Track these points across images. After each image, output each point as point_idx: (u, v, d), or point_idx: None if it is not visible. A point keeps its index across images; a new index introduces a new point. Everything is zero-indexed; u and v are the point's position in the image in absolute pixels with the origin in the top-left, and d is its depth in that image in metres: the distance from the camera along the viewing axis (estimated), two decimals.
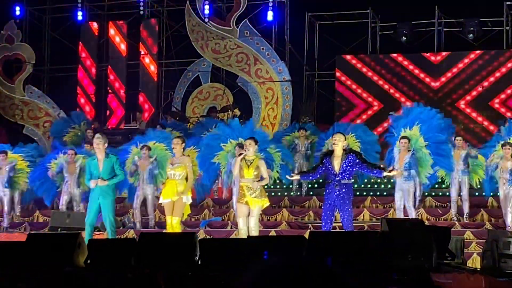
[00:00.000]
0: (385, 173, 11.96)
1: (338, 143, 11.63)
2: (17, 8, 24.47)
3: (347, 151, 11.72)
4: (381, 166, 12.26)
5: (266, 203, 12.36)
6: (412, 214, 13.88)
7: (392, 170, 12.37)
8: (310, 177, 12.77)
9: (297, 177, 12.82)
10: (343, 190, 11.48)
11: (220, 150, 14.75)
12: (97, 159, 12.27)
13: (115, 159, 12.51)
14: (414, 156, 13.88)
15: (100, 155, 12.27)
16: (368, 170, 11.76)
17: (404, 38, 22.43)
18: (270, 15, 22.81)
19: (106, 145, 12.42)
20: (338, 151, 11.59)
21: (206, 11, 22.96)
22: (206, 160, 14.58)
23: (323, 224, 11.60)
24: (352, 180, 11.88)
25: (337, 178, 11.48)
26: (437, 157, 14.22)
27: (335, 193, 11.47)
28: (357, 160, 11.56)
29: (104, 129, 21.64)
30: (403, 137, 13.94)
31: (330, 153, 11.80)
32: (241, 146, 13.84)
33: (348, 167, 11.51)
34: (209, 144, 14.86)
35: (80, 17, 24.33)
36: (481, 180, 15.18)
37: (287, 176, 13.53)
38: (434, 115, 14.64)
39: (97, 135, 12.76)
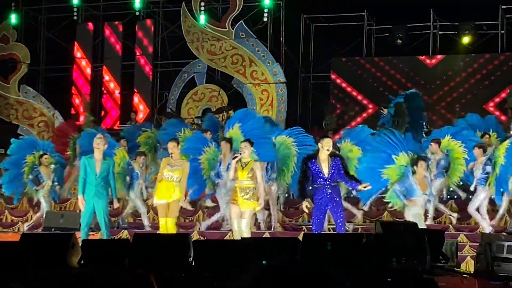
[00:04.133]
0: (360, 187, 11.79)
1: (329, 148, 11.59)
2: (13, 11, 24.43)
3: (332, 155, 11.68)
4: (358, 179, 12.05)
5: (257, 206, 12.33)
6: None
7: (367, 186, 12.04)
8: (309, 187, 12.21)
9: (307, 204, 11.81)
10: (334, 193, 11.48)
11: None
12: (95, 159, 12.28)
13: (113, 163, 12.55)
14: None
15: (99, 156, 12.29)
16: (345, 179, 11.64)
17: (399, 41, 22.45)
18: (265, 17, 22.79)
19: (106, 146, 12.46)
20: (324, 155, 11.55)
21: (202, 21, 22.94)
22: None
23: (314, 227, 11.57)
24: (338, 182, 11.77)
25: (327, 182, 11.45)
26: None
27: (327, 196, 11.44)
28: (341, 166, 11.53)
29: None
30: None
31: (313, 156, 11.72)
32: None
33: (335, 170, 11.50)
34: None
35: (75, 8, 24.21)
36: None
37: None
38: None
39: (98, 135, 12.78)
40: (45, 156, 15.83)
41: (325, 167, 11.44)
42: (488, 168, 14.06)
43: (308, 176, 11.54)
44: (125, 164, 15.07)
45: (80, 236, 11.58)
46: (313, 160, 11.54)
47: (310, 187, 11.76)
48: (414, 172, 12.54)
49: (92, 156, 12.36)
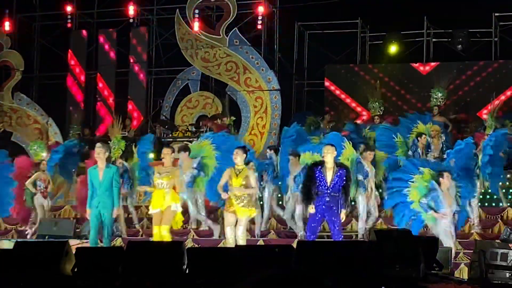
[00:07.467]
0: (343, 211, 11.65)
1: (328, 155, 11.59)
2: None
3: (338, 165, 11.68)
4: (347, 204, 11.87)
5: (254, 213, 12.37)
6: None
7: (343, 215, 11.80)
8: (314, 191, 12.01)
9: (312, 209, 11.68)
10: (333, 202, 11.47)
11: None
12: (98, 168, 12.33)
13: (116, 169, 12.55)
14: None
15: (101, 164, 12.33)
16: (340, 190, 11.58)
17: (393, 48, 22.49)
18: (259, 23, 22.79)
19: (107, 154, 12.48)
20: (330, 164, 11.55)
21: (196, 28, 22.91)
22: None
23: (308, 234, 11.58)
24: (340, 193, 11.71)
25: (328, 191, 11.45)
26: None
27: (325, 205, 11.44)
28: (344, 178, 11.52)
29: (94, 137, 21.56)
30: None
31: (320, 164, 11.73)
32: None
33: (338, 181, 11.50)
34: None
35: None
36: None
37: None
38: None
39: (98, 144, 12.79)
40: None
41: (329, 176, 11.46)
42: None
43: (314, 180, 11.52)
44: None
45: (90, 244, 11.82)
46: (320, 167, 11.57)
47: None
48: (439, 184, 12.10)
49: (96, 167, 12.45)
